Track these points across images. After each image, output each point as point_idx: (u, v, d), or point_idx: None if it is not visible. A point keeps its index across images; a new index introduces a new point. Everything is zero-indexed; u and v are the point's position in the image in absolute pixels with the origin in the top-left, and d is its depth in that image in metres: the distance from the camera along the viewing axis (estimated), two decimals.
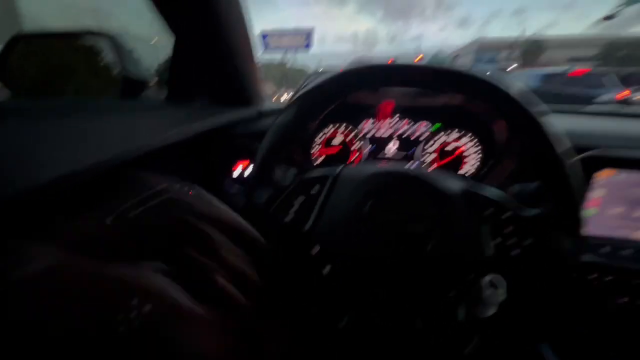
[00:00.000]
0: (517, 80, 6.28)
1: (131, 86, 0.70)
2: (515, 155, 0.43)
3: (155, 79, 0.77)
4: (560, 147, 0.38)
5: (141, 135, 0.51)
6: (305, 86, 0.48)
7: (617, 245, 0.59)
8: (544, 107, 0.42)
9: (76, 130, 0.46)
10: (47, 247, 0.39)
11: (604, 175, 0.58)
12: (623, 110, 0.91)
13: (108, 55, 0.68)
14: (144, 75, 0.78)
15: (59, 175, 0.36)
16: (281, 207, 0.46)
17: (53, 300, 0.23)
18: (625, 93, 5.04)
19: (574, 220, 0.39)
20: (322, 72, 0.76)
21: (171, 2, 0.55)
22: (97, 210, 0.51)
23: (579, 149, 0.60)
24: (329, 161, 0.86)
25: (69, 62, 0.68)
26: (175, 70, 0.69)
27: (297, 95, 0.47)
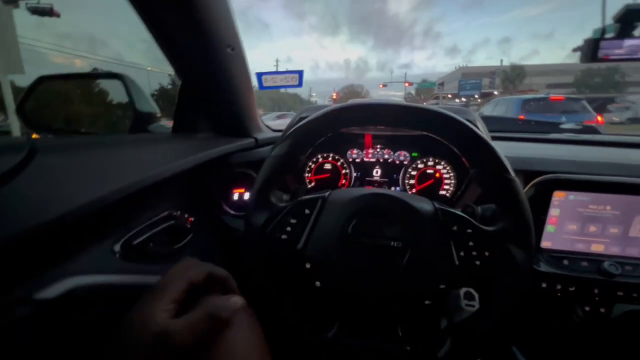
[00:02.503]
0: (499, 106, 6.60)
1: (141, 121, 0.77)
2: (476, 182, 0.50)
3: (159, 111, 0.84)
4: (509, 174, 0.46)
5: (149, 166, 0.58)
6: (298, 120, 0.56)
7: (576, 258, 0.67)
8: (507, 134, 0.49)
9: (92, 164, 0.52)
10: (65, 272, 0.44)
11: (558, 197, 0.66)
12: (580, 137, 1.02)
13: (120, 95, 0.76)
14: (152, 110, 0.86)
15: (75, 206, 0.42)
16: (277, 228, 0.53)
17: (72, 322, 0.28)
18: (597, 119, 5.39)
19: (525, 234, 0.47)
20: (315, 107, 0.85)
21: (180, 55, 0.63)
22: (106, 238, 0.56)
23: (539, 173, 0.69)
24: (320, 186, 0.94)
25: (84, 101, 0.76)
26: (181, 106, 0.76)
27: (291, 131, 0.54)
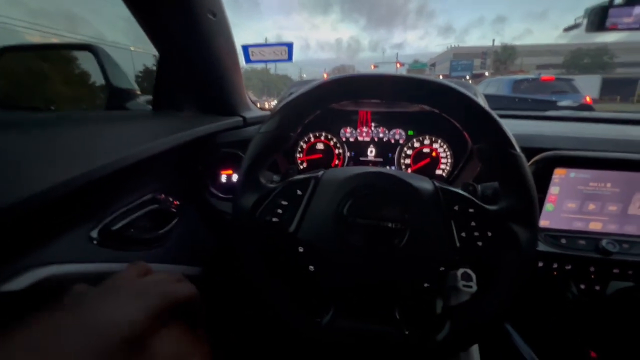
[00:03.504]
0: (490, 87, 6.57)
1: (117, 97, 0.71)
2: (478, 158, 0.47)
3: (138, 89, 0.78)
4: (515, 149, 0.43)
5: (129, 145, 0.53)
6: (288, 95, 0.51)
7: (574, 236, 0.66)
8: (504, 112, 0.47)
9: (63, 142, 0.47)
10: (34, 262, 0.40)
11: (558, 174, 0.64)
12: (578, 114, 1.00)
13: (92, 67, 0.70)
14: (130, 86, 0.79)
15: (46, 188, 0.37)
16: (267, 210, 0.49)
17: (40, 314, 0.24)
18: (586, 100, 5.43)
19: (530, 213, 0.44)
20: (304, 82, 0.79)
21: (155, 21, 0.57)
22: (83, 223, 0.52)
23: (539, 150, 0.67)
24: (312, 167, 0.90)
25: (52, 73, 0.69)
26: (161, 81, 0.70)
27: (280, 105, 0.50)
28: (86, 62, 0.71)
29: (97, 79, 0.70)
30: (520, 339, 0.73)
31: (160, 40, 0.62)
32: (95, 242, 0.53)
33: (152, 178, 0.68)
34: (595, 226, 0.66)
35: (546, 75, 6.61)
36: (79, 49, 0.68)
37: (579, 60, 33.39)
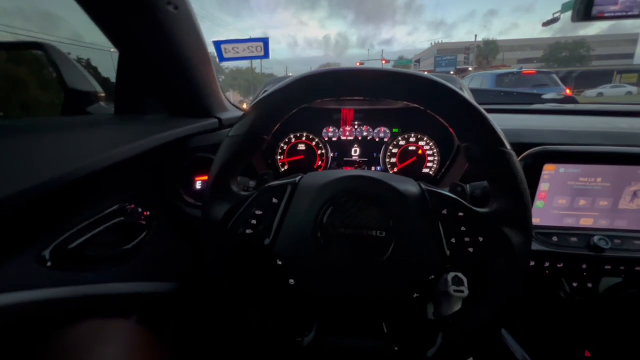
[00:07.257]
0: (474, 81, 6.65)
1: (75, 100, 0.65)
2: (466, 157, 0.44)
3: (101, 91, 0.72)
4: (505, 146, 0.40)
5: (86, 153, 0.48)
6: (262, 94, 0.47)
7: (565, 233, 0.64)
8: (489, 106, 0.43)
9: (9, 154, 0.42)
10: None
11: (548, 170, 0.62)
12: (563, 107, 0.98)
13: (45, 68, 0.63)
14: (91, 88, 0.73)
15: None
16: (239, 222, 0.45)
17: None
18: (566, 92, 5.55)
19: (523, 214, 0.41)
20: (279, 78, 0.73)
21: (111, 16, 0.51)
22: (32, 243, 0.46)
23: (527, 145, 0.64)
24: (294, 169, 0.86)
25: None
26: (123, 82, 0.64)
27: (251, 106, 0.45)
28: (39, 62, 0.64)
29: (51, 81, 0.64)
30: (513, 340, 0.71)
31: (117, 38, 0.56)
32: (48, 263, 0.47)
33: (118, 188, 0.62)
34: (586, 222, 0.64)
35: (527, 69, 6.74)
36: (26, 48, 0.61)
37: (557, 53, 34.34)
